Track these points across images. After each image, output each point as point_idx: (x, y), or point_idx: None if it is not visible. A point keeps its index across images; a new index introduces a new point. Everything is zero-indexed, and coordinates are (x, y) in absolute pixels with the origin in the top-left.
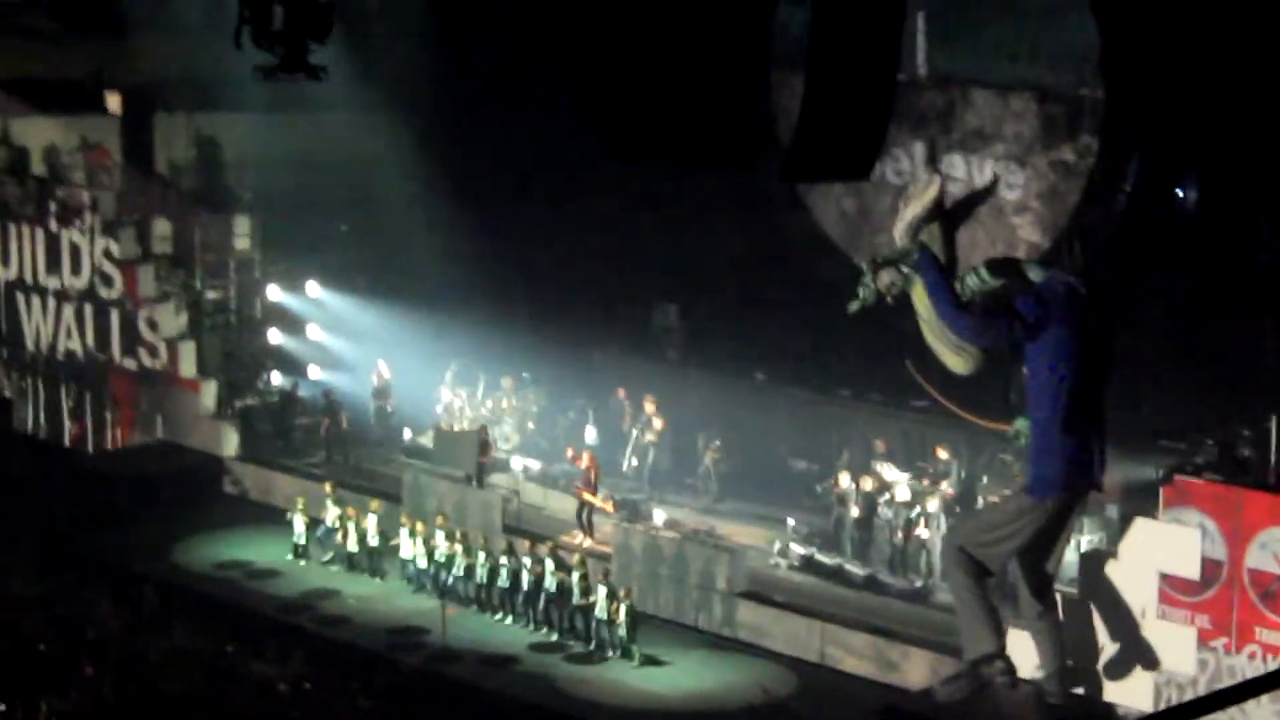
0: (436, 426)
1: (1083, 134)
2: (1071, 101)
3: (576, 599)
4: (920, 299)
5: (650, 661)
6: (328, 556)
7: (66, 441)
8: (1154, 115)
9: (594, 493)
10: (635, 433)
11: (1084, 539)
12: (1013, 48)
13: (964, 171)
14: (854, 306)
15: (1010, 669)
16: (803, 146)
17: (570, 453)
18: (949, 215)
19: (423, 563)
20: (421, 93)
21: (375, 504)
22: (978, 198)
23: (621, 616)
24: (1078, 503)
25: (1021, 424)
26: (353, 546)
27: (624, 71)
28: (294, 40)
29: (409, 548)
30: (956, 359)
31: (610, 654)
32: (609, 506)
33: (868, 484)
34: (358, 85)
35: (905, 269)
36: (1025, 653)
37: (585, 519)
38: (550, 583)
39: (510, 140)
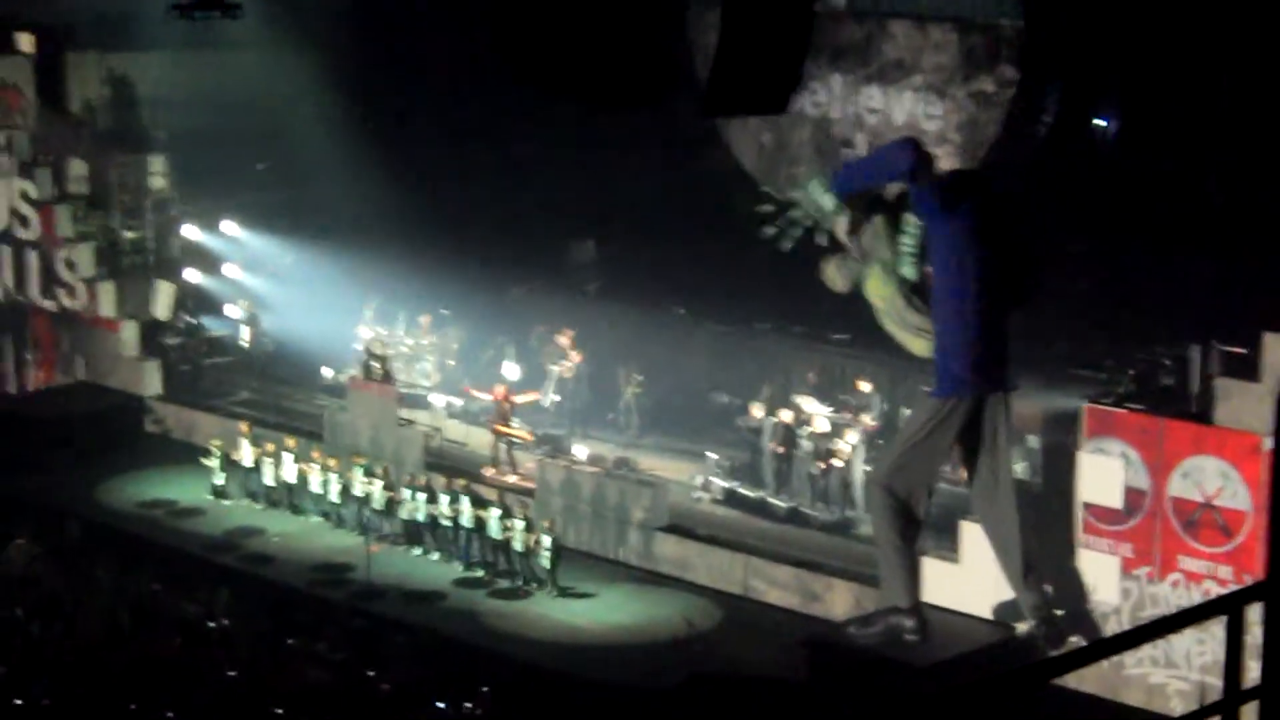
0: (349, 382)
1: (1002, 64)
2: (991, 31)
3: (495, 534)
4: (874, 290)
5: (574, 595)
6: (247, 495)
7: None
8: (1074, 45)
9: (508, 425)
10: (554, 368)
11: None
12: None
13: (882, 103)
14: (786, 245)
15: (920, 628)
16: (720, 81)
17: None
18: (887, 206)
19: (340, 499)
20: (336, 30)
21: (291, 441)
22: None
23: (543, 549)
24: (994, 412)
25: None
26: (270, 482)
27: (538, 8)
28: None
29: (327, 484)
30: (917, 341)
31: (532, 587)
32: (526, 435)
33: (787, 417)
34: (272, 23)
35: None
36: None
37: (505, 453)
38: (467, 518)
39: (426, 78)
